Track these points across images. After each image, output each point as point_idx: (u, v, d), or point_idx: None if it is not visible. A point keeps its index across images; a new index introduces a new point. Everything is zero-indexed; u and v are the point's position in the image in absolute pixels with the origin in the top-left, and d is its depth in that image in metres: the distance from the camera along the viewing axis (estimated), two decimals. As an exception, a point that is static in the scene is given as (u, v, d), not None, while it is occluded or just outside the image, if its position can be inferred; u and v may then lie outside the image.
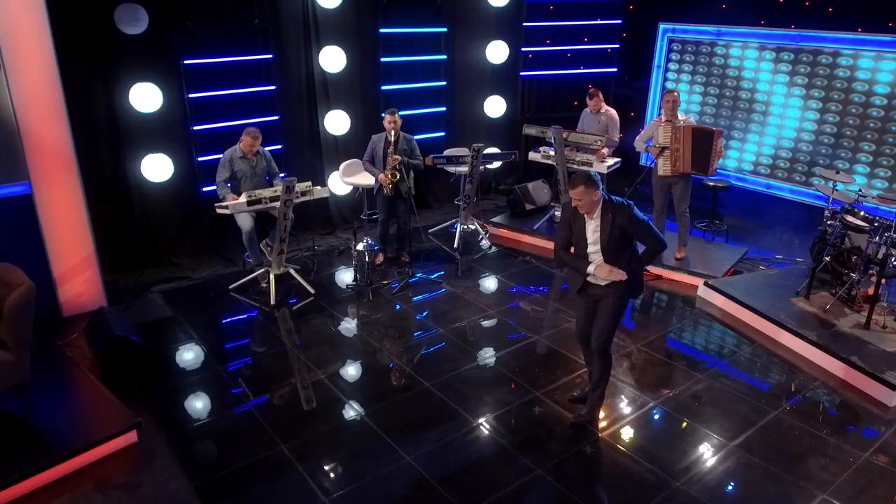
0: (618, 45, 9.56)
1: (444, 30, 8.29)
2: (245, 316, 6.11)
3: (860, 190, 5.68)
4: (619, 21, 9.43)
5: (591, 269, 4.04)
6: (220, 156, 6.36)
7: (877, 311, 5.54)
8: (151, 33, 6.16)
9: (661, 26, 9.12)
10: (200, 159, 6.92)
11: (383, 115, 6.63)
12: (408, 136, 6.71)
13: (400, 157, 6.52)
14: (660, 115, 6.71)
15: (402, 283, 6.54)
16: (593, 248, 4.03)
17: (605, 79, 9.72)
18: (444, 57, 8.42)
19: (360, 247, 7.48)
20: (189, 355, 5.39)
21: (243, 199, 5.91)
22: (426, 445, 4.23)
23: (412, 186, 6.69)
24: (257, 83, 7.09)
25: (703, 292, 6.41)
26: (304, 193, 6.14)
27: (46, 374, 4.73)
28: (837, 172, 5.82)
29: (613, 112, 7.53)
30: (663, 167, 6.52)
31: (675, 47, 9.08)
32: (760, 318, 5.79)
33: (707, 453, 4.21)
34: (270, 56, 7.06)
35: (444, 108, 8.66)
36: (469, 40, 8.52)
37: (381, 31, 7.78)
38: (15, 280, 4.27)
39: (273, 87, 7.19)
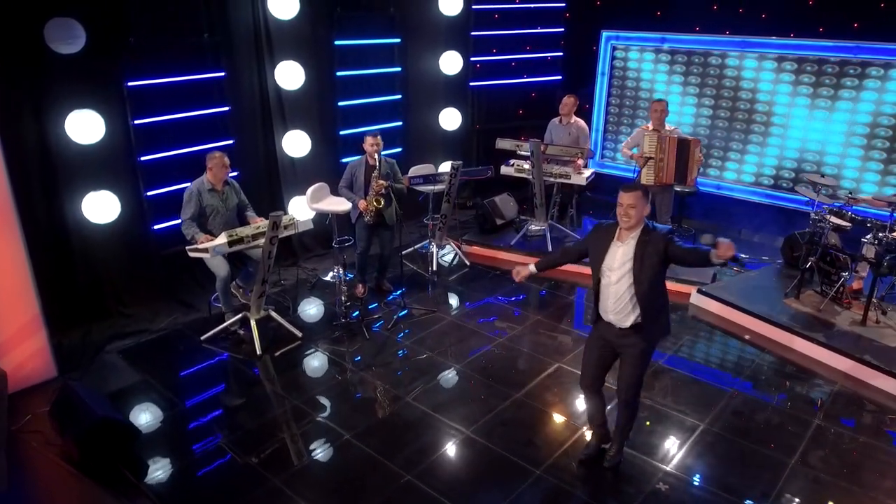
0: (561, 54, 9.55)
1: (398, 41, 7.85)
2: (231, 371, 5.38)
3: (850, 193, 5.93)
4: (562, 29, 9.42)
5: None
6: (171, 189, 5.60)
7: (863, 307, 5.81)
8: (89, 52, 5.27)
9: (604, 34, 9.20)
10: (149, 194, 6.04)
11: (364, 136, 6.09)
12: (389, 159, 6.23)
13: (385, 183, 6.04)
14: (647, 123, 6.69)
15: (393, 318, 6.05)
16: (616, 276, 3.64)
17: (549, 87, 9.70)
18: (399, 69, 7.97)
19: (329, 276, 6.95)
20: (179, 428, 4.63)
21: (223, 238, 5.18)
22: (496, 505, 3.86)
23: (401, 212, 6.24)
24: (209, 104, 6.30)
25: (697, 300, 6.45)
26: (286, 227, 5.51)
27: (15, 474, 3.86)
28: (822, 176, 6.04)
29: (583, 122, 7.45)
30: (646, 176, 6.50)
31: (619, 54, 9.20)
32: (761, 322, 5.89)
33: (773, 474, 4.13)
34: (222, 74, 6.30)
35: (400, 123, 8.21)
36: (423, 51, 8.14)
37: (336, 43, 7.22)
38: (-20, 369, 3.43)
39: (226, 108, 6.42)
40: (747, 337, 5.79)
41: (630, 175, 9.13)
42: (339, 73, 7.34)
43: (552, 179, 7.18)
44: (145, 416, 4.70)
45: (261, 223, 5.47)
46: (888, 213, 5.72)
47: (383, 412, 4.76)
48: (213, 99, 6.31)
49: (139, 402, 4.89)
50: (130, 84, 5.67)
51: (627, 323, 3.70)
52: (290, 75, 6.67)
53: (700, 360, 5.65)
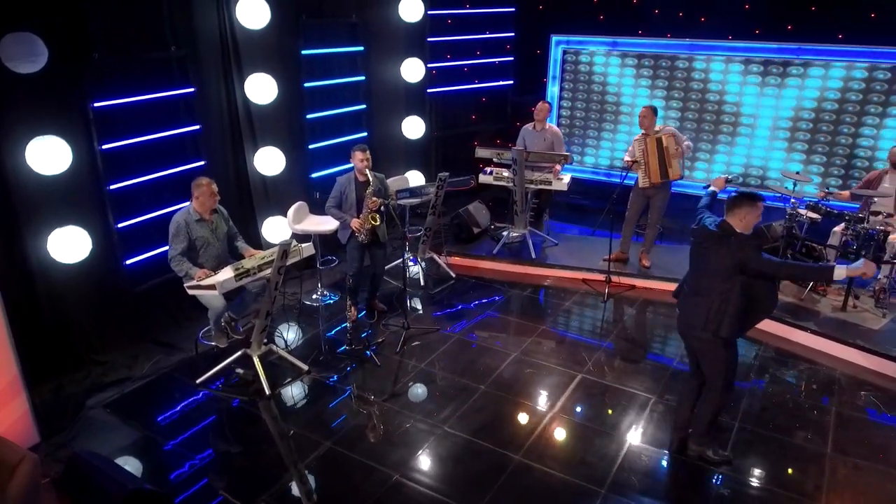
0: (513, 58, 9.57)
1: (361, 48, 7.53)
2: (242, 417, 4.91)
3: (828, 188, 6.32)
4: (513, 34, 9.44)
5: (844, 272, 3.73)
6: (143, 219, 5.04)
7: (838, 293, 6.24)
8: (51, 71, 4.62)
9: (554, 38, 9.31)
10: (120, 226, 5.42)
11: (352, 152, 5.78)
12: (378, 175, 5.94)
13: (380, 200, 5.76)
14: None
15: (400, 340, 5.78)
16: None
17: (502, 92, 9.71)
18: (363, 78, 7.66)
19: (314, 298, 6.58)
20: (211, 492, 4.13)
21: (229, 273, 4.72)
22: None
23: (403, 229, 6.00)
24: (179, 124, 5.74)
25: (684, 297, 6.65)
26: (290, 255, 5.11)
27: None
28: (797, 174, 6.40)
29: (556, 128, 7.48)
30: (642, 179, 6.62)
31: (570, 58, 9.34)
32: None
33: (816, 466, 4.31)
34: (192, 89, 5.75)
35: (365, 133, 7.89)
36: (384, 59, 7.86)
37: (303, 52, 6.81)
38: (8, 456, 2.91)
39: (197, 127, 5.88)
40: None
41: (605, 179, 9.40)
42: (306, 84, 6.94)
43: (533, 186, 7.16)
44: (165, 481, 4.19)
45: (263, 253, 5.05)
46: (856, 206, 6.20)
47: (423, 444, 4.52)
48: (183, 117, 5.75)
49: (150, 463, 4.36)
50: (96, 105, 5.04)
51: None
52: (261, 88, 6.21)
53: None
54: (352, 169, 5.93)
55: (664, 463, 4.36)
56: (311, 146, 7.14)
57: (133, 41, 5.27)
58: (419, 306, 6.55)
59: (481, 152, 7.25)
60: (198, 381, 5.15)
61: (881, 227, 5.78)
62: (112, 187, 5.29)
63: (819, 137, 7.89)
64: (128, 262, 5.51)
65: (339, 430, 4.67)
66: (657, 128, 6.57)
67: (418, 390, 5.15)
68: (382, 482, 4.15)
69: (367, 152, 5.75)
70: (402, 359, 5.57)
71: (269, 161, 6.49)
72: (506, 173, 7.23)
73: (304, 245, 5.25)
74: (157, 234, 5.71)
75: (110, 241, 5.36)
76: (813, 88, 7.83)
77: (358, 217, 5.79)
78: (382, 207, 5.76)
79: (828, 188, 6.23)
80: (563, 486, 4.13)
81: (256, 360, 5.15)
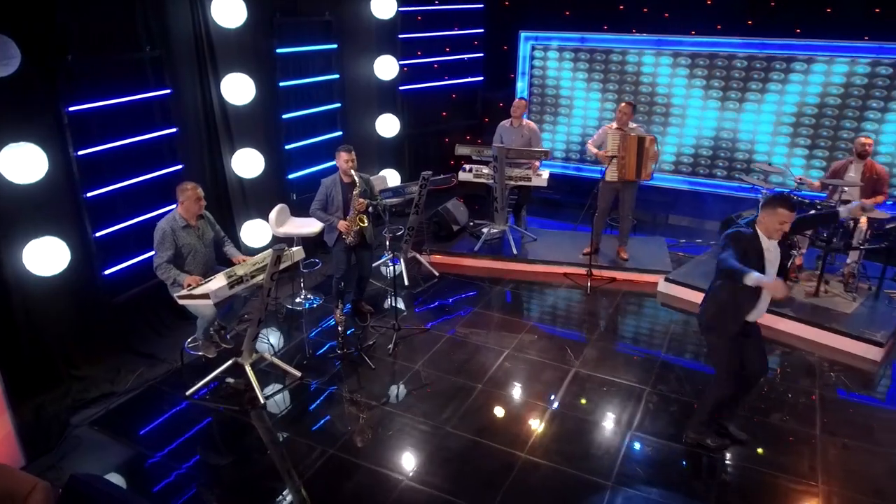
0: (482, 55, 9.58)
1: (335, 46, 7.41)
2: (239, 428, 4.74)
3: (801, 179, 6.55)
4: (482, 30, 9.45)
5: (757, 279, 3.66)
6: (122, 226, 4.86)
7: (810, 279, 6.49)
8: (24, 74, 4.38)
9: (522, 34, 9.36)
10: (98, 235, 5.19)
11: (338, 153, 5.68)
12: (363, 175, 5.86)
13: (367, 201, 5.69)
14: (611, 123, 6.89)
15: (392, 342, 5.73)
16: (773, 272, 3.95)
17: (471, 88, 9.72)
18: (337, 76, 7.54)
19: (298, 302, 6.46)
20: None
21: (222, 280, 4.58)
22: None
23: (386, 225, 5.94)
24: (156, 127, 5.54)
25: (664, 287, 6.80)
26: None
27: None
28: (770, 165, 6.62)
29: (533, 124, 7.53)
30: (611, 173, 6.73)
31: (538, 54, 9.40)
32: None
33: (808, 448, 4.48)
34: (168, 91, 5.55)
35: (340, 133, 7.78)
36: (358, 56, 7.76)
37: (278, 51, 6.65)
38: (18, 487, 2.78)
39: (174, 130, 5.68)
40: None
41: (576, 173, 9.50)
42: (281, 84, 6.79)
43: (513, 183, 7.20)
44: (168, 501, 4.05)
45: (254, 259, 4.92)
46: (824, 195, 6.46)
47: (428, 447, 4.49)
48: (159, 120, 5.55)
49: (149, 482, 4.21)
50: (71, 109, 4.81)
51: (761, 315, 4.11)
52: (238, 89, 6.04)
53: (692, 350, 5.91)
54: (334, 169, 5.84)
55: (666, 452, 4.45)
56: (287, 147, 6.99)
57: (107, 42, 5.04)
58: (405, 306, 6.50)
59: (461, 150, 7.25)
60: (187, 393, 4.99)
61: (850, 216, 6.03)
62: (89, 195, 5.06)
63: (801, 131, 8.14)
64: (106, 272, 5.28)
65: (340, 435, 4.61)
66: (632, 125, 6.70)
67: (416, 391, 5.12)
68: (392, 487, 4.12)
69: (353, 153, 5.67)
70: (395, 360, 5.52)
71: (246, 163, 6.33)
72: (485, 170, 7.24)
73: (294, 249, 5.14)
74: (136, 242, 5.52)
75: (88, 251, 5.14)
76: (777, 82, 8.11)
77: (345, 219, 5.71)
78: (371, 208, 5.70)
79: (799, 179, 6.45)
80: (571, 481, 4.18)
81: (249, 369, 5.02)
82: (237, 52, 6.04)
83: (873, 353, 5.54)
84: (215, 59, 5.91)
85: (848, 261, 6.40)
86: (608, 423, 4.75)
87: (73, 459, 4.35)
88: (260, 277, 4.77)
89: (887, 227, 6.29)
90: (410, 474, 4.22)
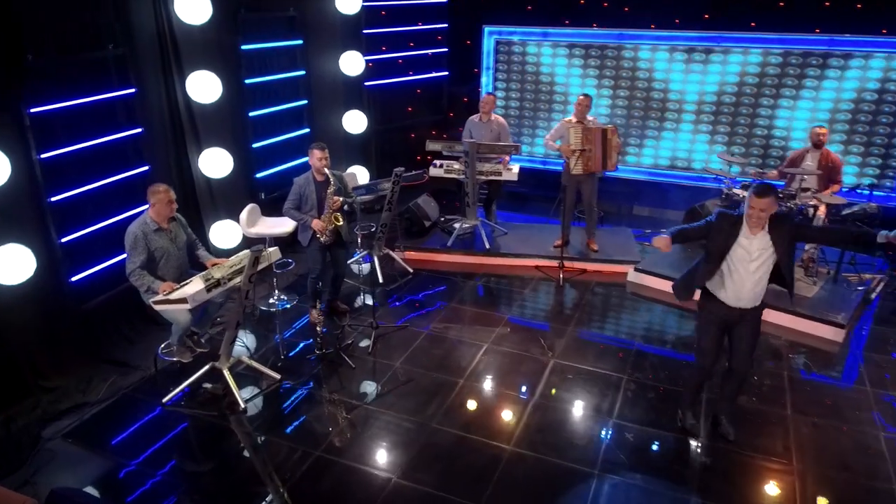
0: (447, 49, 9.57)
1: (301, 42, 7.30)
2: (221, 435, 4.65)
3: (763, 170, 6.76)
4: (446, 25, 9.43)
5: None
6: (89, 231, 4.72)
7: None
8: (-18, 74, 4.20)
9: (486, 28, 9.39)
10: (64, 240, 5.01)
11: (311, 150, 5.61)
12: (336, 173, 5.81)
13: (341, 199, 5.64)
14: (569, 116, 6.97)
15: (370, 339, 5.71)
16: (755, 266, 3.94)
17: (437, 83, 9.70)
18: (304, 72, 7.44)
19: (271, 303, 6.37)
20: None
21: (199, 284, 4.47)
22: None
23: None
24: (121, 127, 5.37)
25: (634, 277, 6.95)
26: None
27: None
28: (732, 156, 6.81)
29: (502, 119, 7.57)
30: (575, 167, 6.82)
31: (503, 48, 9.45)
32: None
33: (781, 428, 4.66)
34: (133, 90, 5.39)
35: (307, 130, 7.69)
36: (323, 52, 7.67)
37: (243, 47, 6.52)
38: None
39: (139, 130, 5.52)
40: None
41: (542, 167, 9.58)
42: (247, 81, 6.66)
43: (484, 178, 7.23)
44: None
45: (230, 261, 4.82)
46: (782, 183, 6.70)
47: (415, 445, 4.49)
48: (124, 120, 5.38)
49: (129, 493, 4.10)
50: (33, 111, 4.62)
51: (758, 302, 4.09)
52: (203, 86, 5.89)
53: (670, 337, 6.04)
54: (302, 167, 5.77)
55: (647, 438, 4.56)
56: (254, 145, 6.87)
57: (69, 41, 4.86)
58: (380, 304, 6.48)
59: (432, 145, 7.24)
60: (164, 401, 4.87)
61: (811, 203, 6.28)
62: (53, 199, 4.88)
63: (739, 120, 8.42)
64: (73, 278, 5.11)
65: (324, 436, 4.58)
66: (589, 118, 6.81)
67: (398, 389, 5.11)
68: (381, 486, 4.11)
69: (326, 150, 5.61)
70: (375, 359, 5.51)
71: (214, 163, 6.18)
72: (456, 165, 7.26)
73: (270, 249, 5.07)
74: (103, 247, 5.36)
75: (54, 257, 4.96)
76: (734, 74, 8.34)
77: (319, 218, 5.65)
78: (346, 206, 5.66)
79: (760, 168, 6.67)
80: (558, 471, 4.25)
81: (227, 373, 4.93)
82: (202, 49, 5.90)
83: (835, 334, 5.79)
84: (180, 57, 5.76)
85: (807, 247, 6.65)
86: (589, 412, 4.85)
87: (48, 474, 4.20)
88: (237, 279, 4.68)
89: (843, 213, 6.57)
90: (399, 472, 4.22)
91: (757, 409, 4.85)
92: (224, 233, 6.38)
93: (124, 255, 4.71)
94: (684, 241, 4.53)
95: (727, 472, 4.26)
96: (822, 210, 6.39)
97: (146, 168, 5.61)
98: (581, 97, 6.78)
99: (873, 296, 6.53)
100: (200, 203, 6.29)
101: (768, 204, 3.79)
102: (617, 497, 4.05)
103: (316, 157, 5.58)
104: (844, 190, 6.84)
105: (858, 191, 6.75)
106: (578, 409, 4.88)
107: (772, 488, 4.11)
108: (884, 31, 7.58)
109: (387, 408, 4.88)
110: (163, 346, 5.36)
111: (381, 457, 4.38)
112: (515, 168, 7.32)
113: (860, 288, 6.44)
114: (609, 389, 5.09)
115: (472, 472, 4.23)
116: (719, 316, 4.19)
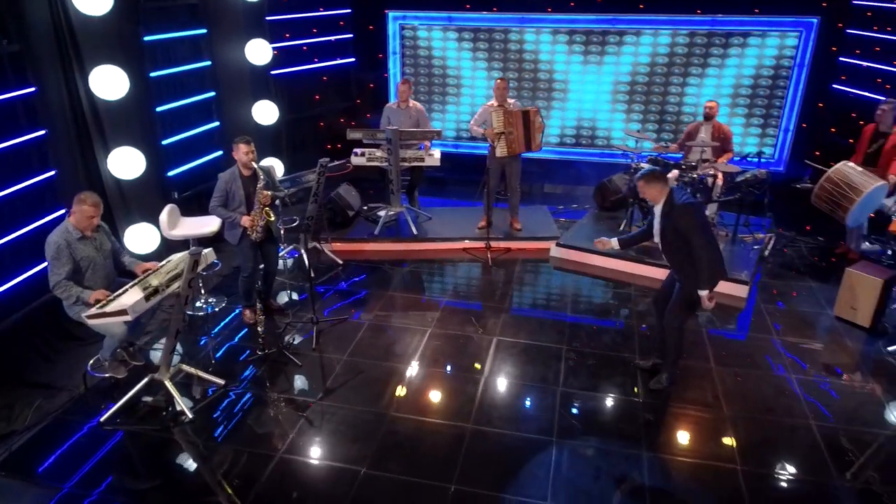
0: (352, 35, 9.42)
1: (205, 31, 6.94)
2: (174, 451, 4.42)
3: (666, 143, 7.23)
4: (349, 10, 9.28)
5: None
6: None
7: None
8: None
9: (390, 14, 9.33)
10: (-31, 257, 4.56)
11: (236, 145, 5.39)
12: (264, 167, 5.63)
13: (271, 193, 5.48)
14: (490, 101, 7.12)
15: (312, 335, 5.62)
16: (657, 238, 4.47)
17: (344, 70, 9.54)
18: (209, 63, 7.08)
19: (199, 304, 6.12)
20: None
21: (137, 294, 4.21)
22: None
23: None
24: (21, 130, 4.90)
25: (556, 252, 7.27)
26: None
27: None
28: (639, 132, 7.24)
29: (420, 105, 7.60)
30: (500, 149, 7.01)
31: (408, 33, 9.44)
32: (613, 260, 6.92)
33: (709, 381, 5.11)
34: (32, 89, 4.93)
35: (217, 123, 7.35)
36: (228, 41, 7.33)
37: (146, 39, 6.12)
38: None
39: (43, 132, 5.06)
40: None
41: (454, 150, 9.69)
42: (152, 74, 6.26)
43: (407, 164, 7.26)
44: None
45: (166, 267, 4.57)
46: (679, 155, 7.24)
47: (377, 434, 4.52)
48: (25, 122, 4.93)
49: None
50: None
51: (676, 275, 4.60)
52: (108, 82, 5.49)
53: (591, 307, 6.43)
54: (215, 162, 5.57)
55: (593, 403, 4.86)
56: (164, 142, 6.49)
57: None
58: (314, 298, 6.36)
59: (353, 134, 7.15)
60: (102, 420, 4.58)
61: (711, 173, 6.84)
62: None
63: (653, 98, 8.95)
64: (-17, 298, 4.67)
65: (284, 437, 4.49)
66: (510, 101, 7.01)
67: (350, 382, 5.10)
68: (351, 479, 4.12)
69: (252, 144, 5.42)
70: (321, 354, 5.45)
71: (125, 163, 5.81)
72: (378, 153, 7.23)
73: (206, 251, 4.85)
74: (11, 261, 4.91)
75: (-41, 276, 4.49)
76: (629, 55, 8.85)
77: (249, 214, 5.47)
78: (278, 201, 5.51)
79: (665, 143, 7.17)
80: (519, 442, 4.44)
81: (168, 384, 4.71)
82: (103, 42, 5.48)
83: (740, 290, 6.38)
84: (80, 51, 5.33)
85: (708, 213, 7.24)
86: (538, 383, 5.07)
87: (-16, 513, 3.87)
88: (176, 285, 4.46)
89: (738, 180, 7.20)
90: (367, 464, 4.24)
91: (685, 365, 5.28)
92: (141, 237, 6.03)
93: (35, 270, 4.35)
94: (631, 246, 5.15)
95: (669, 425, 4.63)
96: (719, 178, 6.98)
97: (52, 173, 5.18)
98: (498, 81, 6.95)
99: (766, 252, 7.25)
100: (112, 206, 5.89)
101: (641, 188, 4.49)
102: (577, 460, 4.30)
103: (242, 152, 5.38)
104: (736, 159, 7.50)
105: (749, 159, 7.41)
106: (528, 381, 5.10)
107: (710, 435, 4.52)
108: (756, 10, 8.35)
109: (342, 402, 4.86)
110: (91, 361, 5.02)
111: (346, 451, 4.37)
112: (437, 153, 7.41)
113: (756, 247, 7.12)
114: (552, 360, 5.35)
115: (438, 455, 4.33)
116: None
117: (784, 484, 4.11)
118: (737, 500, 3.96)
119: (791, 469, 4.21)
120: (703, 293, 4.35)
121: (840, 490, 4.04)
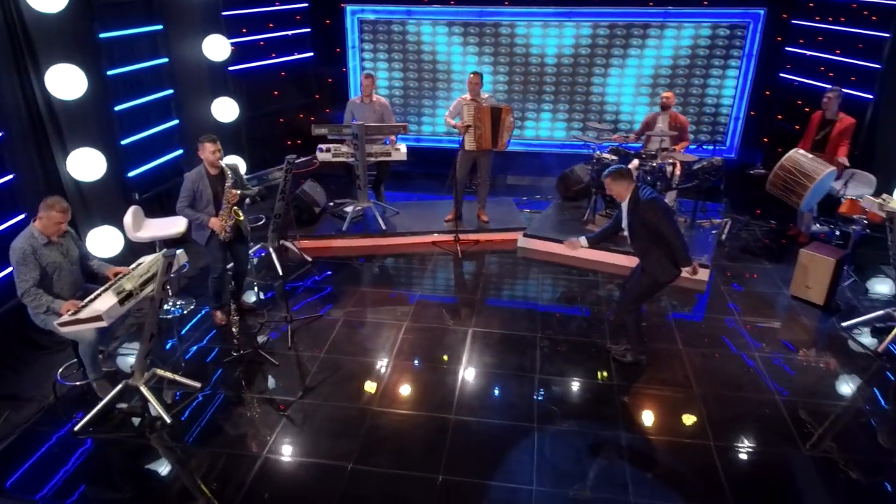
0: (309, 30, 9.31)
1: (161, 27, 6.76)
2: (150, 455, 4.36)
3: (626, 135, 7.41)
4: (306, 5, 9.16)
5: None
6: None
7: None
8: None
9: (348, 8, 9.26)
10: (-75, 268, 4.35)
11: (202, 144, 5.29)
12: (231, 165, 5.55)
13: (239, 192, 5.41)
14: (465, 94, 7.16)
15: (286, 333, 5.59)
16: (626, 232, 4.64)
17: (302, 65, 9.42)
18: (166, 60, 6.90)
19: (168, 306, 6.01)
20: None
21: (111, 299, 4.11)
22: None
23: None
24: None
25: (523, 242, 7.40)
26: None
27: None
28: (600, 123, 7.41)
29: (384, 99, 7.59)
30: (469, 143, 7.08)
31: (367, 27, 9.38)
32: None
33: (679, 362, 5.31)
34: (-15, 91, 4.74)
35: (176, 121, 7.17)
36: (185, 37, 7.15)
37: (101, 36, 5.93)
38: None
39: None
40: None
41: (416, 144, 9.69)
42: (109, 73, 6.08)
43: (373, 159, 7.25)
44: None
45: (138, 270, 4.47)
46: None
47: (361, 429, 4.54)
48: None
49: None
50: None
51: (643, 262, 4.81)
52: (65, 81, 5.31)
53: (559, 295, 6.55)
54: (176, 161, 5.47)
55: (570, 388, 5.00)
56: (123, 142, 6.32)
57: None
58: (285, 296, 6.33)
59: (318, 129, 7.10)
60: (76, 430, 4.46)
61: (669, 161, 7.06)
62: None
63: (577, 89, 9.17)
64: (-58, 309, 4.47)
65: (266, 438, 4.47)
66: (484, 95, 7.08)
67: (330, 379, 5.10)
68: (339, 475, 4.13)
69: (218, 143, 5.33)
70: (297, 352, 5.42)
71: (84, 164, 5.63)
72: (344, 149, 7.20)
73: (178, 252, 4.77)
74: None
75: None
76: (569, 46, 9.03)
77: (217, 214, 5.39)
78: (248, 200, 5.44)
79: (625, 134, 7.36)
80: (502, 430, 4.54)
81: (144, 388, 4.62)
82: (58, 40, 5.29)
83: (703, 274, 6.61)
84: (34, 50, 5.14)
85: (667, 200, 7.47)
86: (516, 371, 5.18)
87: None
88: (150, 288, 4.38)
89: (695, 167, 7.45)
90: (353, 459, 4.26)
91: (655, 348, 5.47)
92: (103, 240, 5.85)
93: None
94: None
95: (643, 406, 4.80)
96: (678, 167, 7.21)
97: (10, 177, 4.98)
98: (471, 76, 7.00)
99: (724, 237, 7.54)
100: (73, 210, 5.68)
101: (607, 184, 4.72)
102: (558, 444, 4.42)
103: (209, 151, 5.29)
104: (692, 147, 7.76)
105: (705, 147, 7.67)
106: (505, 370, 5.20)
107: (683, 413, 4.71)
108: (705, 2, 8.63)
109: (323, 399, 4.86)
110: (62, 369, 4.88)
111: (331, 448, 4.38)
112: (403, 148, 7.42)
113: (713, 232, 7.40)
114: (527, 349, 5.46)
115: (423, 446, 4.39)
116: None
117: (754, 456, 4.32)
118: (710, 473, 4.15)
119: (759, 441, 4.43)
120: (688, 268, 4.71)
121: (803, 459, 4.28)
